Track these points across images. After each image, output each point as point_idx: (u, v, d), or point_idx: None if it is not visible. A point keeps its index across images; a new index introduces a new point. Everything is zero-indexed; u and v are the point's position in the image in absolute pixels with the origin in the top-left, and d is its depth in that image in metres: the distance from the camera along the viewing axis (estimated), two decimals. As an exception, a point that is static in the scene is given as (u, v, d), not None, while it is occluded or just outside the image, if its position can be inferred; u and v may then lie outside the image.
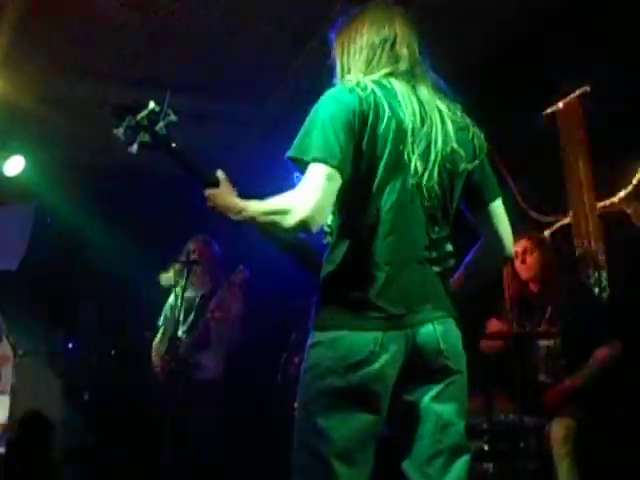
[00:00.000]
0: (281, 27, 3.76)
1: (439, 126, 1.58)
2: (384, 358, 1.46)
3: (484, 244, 1.74)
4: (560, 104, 3.70)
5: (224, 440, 3.56)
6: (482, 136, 1.68)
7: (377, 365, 1.46)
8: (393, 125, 1.53)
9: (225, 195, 1.59)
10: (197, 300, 3.74)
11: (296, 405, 3.69)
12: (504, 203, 1.73)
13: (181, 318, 3.64)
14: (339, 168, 1.47)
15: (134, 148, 1.59)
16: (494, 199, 1.70)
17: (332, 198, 1.48)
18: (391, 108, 1.54)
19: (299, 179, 1.51)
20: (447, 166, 1.58)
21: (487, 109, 3.78)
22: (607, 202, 3.45)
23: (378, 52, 1.66)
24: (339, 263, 1.54)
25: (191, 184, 1.64)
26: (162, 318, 3.87)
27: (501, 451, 2.95)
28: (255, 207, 1.51)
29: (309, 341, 1.55)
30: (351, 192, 1.53)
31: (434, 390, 1.53)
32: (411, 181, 1.54)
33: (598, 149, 3.50)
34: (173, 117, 1.61)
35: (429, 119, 1.58)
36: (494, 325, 3.27)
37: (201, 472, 3.47)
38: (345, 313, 1.50)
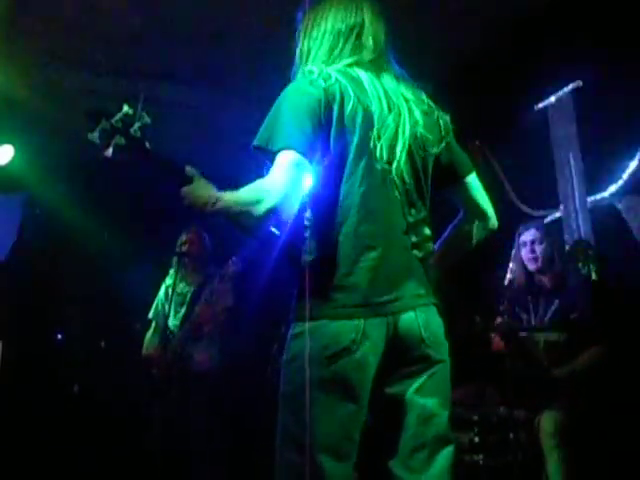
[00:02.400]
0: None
1: (406, 113, 1.59)
2: (366, 346, 1.45)
3: (465, 217, 1.75)
4: (552, 98, 3.72)
5: (217, 431, 3.55)
6: (447, 117, 1.70)
7: (358, 354, 1.45)
8: (360, 113, 1.54)
9: (200, 189, 1.55)
10: (188, 293, 3.72)
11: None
12: (493, 197, 1.74)
13: (172, 311, 3.62)
14: (305, 154, 1.48)
15: (109, 152, 1.56)
16: (468, 173, 1.71)
17: (300, 185, 1.48)
18: (357, 96, 1.55)
19: (269, 168, 1.51)
20: (417, 151, 1.59)
21: (479, 104, 3.83)
22: (598, 196, 3.47)
23: (342, 40, 1.65)
24: (316, 252, 1.54)
25: (165, 185, 1.60)
26: (153, 311, 3.84)
27: (491, 443, 2.97)
28: (228, 197, 1.50)
29: (290, 332, 1.54)
30: (324, 182, 1.54)
31: (417, 382, 1.52)
32: (378, 167, 1.54)
33: (589, 144, 3.52)
34: (147, 119, 1.59)
35: (395, 107, 1.59)
36: (497, 345, 3.25)
37: (195, 463, 3.47)
38: (325, 302, 1.48)
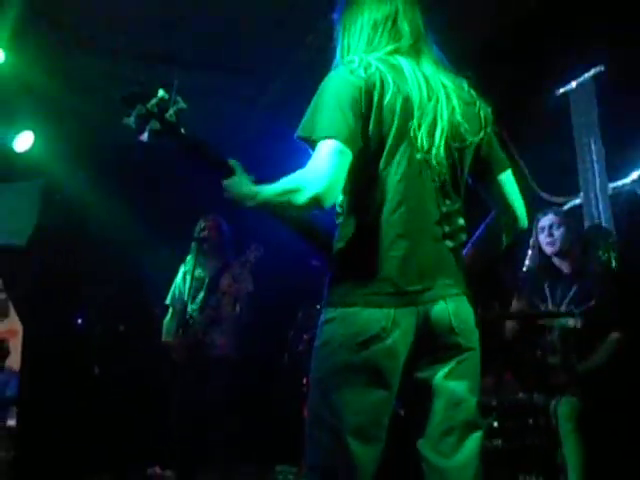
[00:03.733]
0: (292, 4, 3.73)
1: (444, 101, 1.58)
2: (396, 334, 1.47)
3: (497, 217, 1.74)
4: (573, 84, 3.68)
5: (236, 415, 3.60)
6: (489, 110, 1.67)
7: (389, 341, 1.46)
8: (400, 101, 1.53)
9: (241, 184, 1.58)
10: (206, 278, 3.75)
11: (305, 381, 3.75)
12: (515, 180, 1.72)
13: (190, 296, 3.66)
14: (348, 143, 1.48)
15: (145, 136, 1.58)
16: (503, 170, 1.69)
17: (343, 173, 1.48)
18: (397, 84, 1.54)
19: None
20: (454, 140, 1.58)
21: (500, 89, 3.78)
22: (619, 183, 3.44)
23: (380, 29, 1.65)
24: (350, 240, 1.55)
25: (201, 171, 1.64)
26: (170, 296, 3.88)
27: (510, 428, 2.99)
28: (268, 190, 1.51)
29: (322, 318, 1.55)
30: (360, 169, 1.53)
31: (446, 367, 1.54)
32: (418, 156, 1.54)
33: (610, 130, 3.49)
34: (182, 104, 1.60)
35: (435, 94, 1.58)
36: (515, 308, 3.28)
37: (212, 447, 3.52)
38: (357, 289, 1.50)
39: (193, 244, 3.77)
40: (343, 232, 1.57)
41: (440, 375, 1.54)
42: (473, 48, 3.89)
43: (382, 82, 1.54)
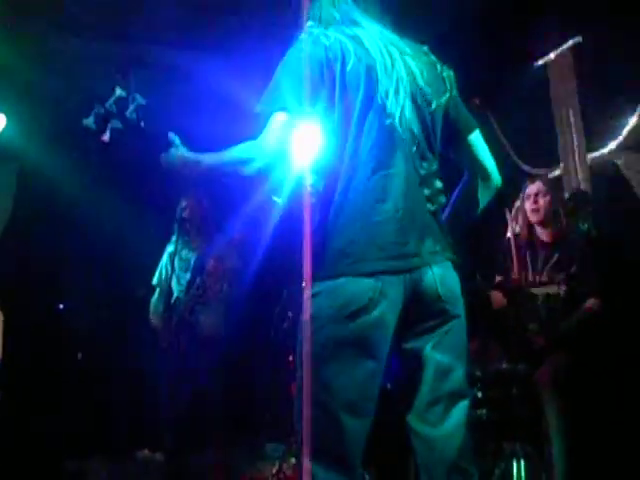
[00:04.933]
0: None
1: (404, 66, 1.59)
2: (383, 304, 1.46)
3: (470, 178, 1.75)
4: (552, 55, 3.70)
5: (224, 393, 3.61)
6: (451, 73, 1.69)
7: (377, 312, 1.46)
8: (362, 70, 1.54)
9: (177, 154, 1.59)
10: (192, 258, 3.73)
11: (290, 358, 3.76)
12: (492, 156, 1.73)
13: (176, 277, 3.64)
14: (300, 115, 1.49)
15: (107, 136, 1.58)
16: (472, 131, 1.71)
17: (289, 144, 1.49)
18: (358, 54, 1.55)
19: None
20: (422, 103, 1.59)
21: (478, 61, 3.79)
22: (597, 153, 3.47)
23: (338, 4, 1.67)
24: (329, 213, 1.53)
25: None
26: (157, 277, 3.86)
27: (494, 398, 3.03)
28: (213, 158, 1.53)
29: (308, 292, 1.54)
30: (330, 143, 1.53)
31: (434, 338, 1.54)
32: (387, 121, 1.54)
33: (589, 100, 3.51)
34: (141, 100, 1.61)
35: (395, 60, 1.59)
36: (498, 301, 3.30)
37: (200, 426, 3.53)
38: (342, 259, 1.48)
39: (176, 224, 3.73)
40: (321, 207, 1.56)
41: (429, 346, 1.54)
42: (449, 21, 3.88)
43: (343, 52, 1.54)
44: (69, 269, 5.03)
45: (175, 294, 3.65)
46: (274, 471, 3.59)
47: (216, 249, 3.63)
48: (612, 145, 3.37)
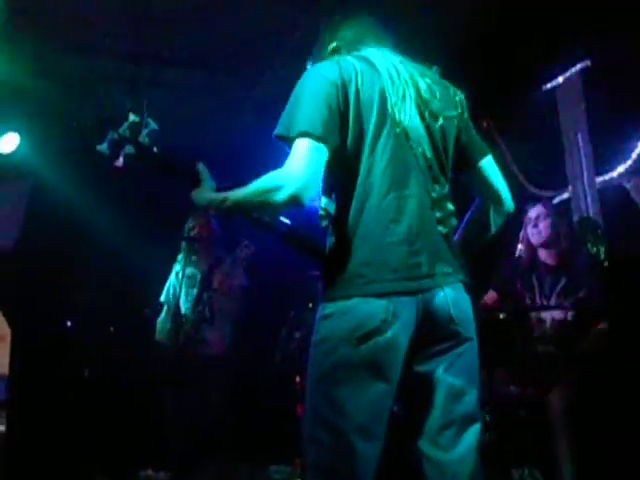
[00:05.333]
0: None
1: (411, 82, 1.62)
2: (396, 326, 1.45)
3: (482, 203, 1.76)
4: (560, 79, 3.71)
5: (229, 413, 3.59)
6: (463, 96, 1.70)
7: (389, 334, 1.45)
8: (376, 93, 1.56)
9: (204, 192, 1.60)
10: (198, 276, 3.75)
11: (297, 379, 3.73)
12: (497, 164, 1.74)
13: (183, 295, 3.65)
14: (323, 139, 1.49)
15: (120, 162, 1.60)
16: (484, 155, 1.72)
17: (320, 169, 1.49)
18: (371, 77, 1.58)
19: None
20: (427, 115, 1.61)
21: (487, 85, 3.81)
22: (606, 177, 3.47)
23: (347, 29, 1.74)
24: (342, 233, 1.53)
25: (178, 185, 1.66)
26: (164, 295, 3.87)
27: (503, 422, 2.99)
28: (238, 193, 1.52)
29: (319, 314, 1.53)
30: (343, 164, 1.54)
31: (446, 361, 1.53)
32: (397, 144, 1.55)
33: (598, 124, 3.51)
34: (153, 125, 1.63)
35: (402, 77, 1.61)
36: (490, 297, 3.30)
37: (207, 447, 3.51)
38: (354, 280, 1.48)
39: (183, 243, 3.76)
40: (334, 228, 1.57)
41: (440, 369, 1.53)
42: (460, 44, 3.91)
43: (357, 76, 1.56)
44: (78, 286, 5.05)
45: (182, 312, 3.66)
46: (279, 493, 3.57)
47: (223, 268, 3.64)
48: (621, 169, 3.36)
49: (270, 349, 4.07)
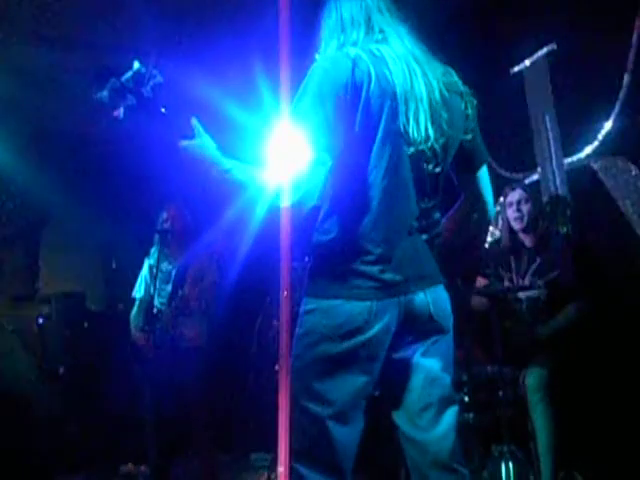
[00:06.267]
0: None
1: (425, 87, 1.57)
2: (378, 326, 1.51)
3: (467, 206, 1.78)
4: (527, 62, 3.75)
5: (209, 404, 3.58)
6: (475, 102, 1.69)
7: (371, 332, 1.50)
8: (387, 93, 1.54)
9: (205, 147, 1.53)
10: (173, 270, 3.69)
11: (277, 368, 3.75)
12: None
13: (157, 289, 3.60)
14: (327, 151, 1.50)
15: (120, 112, 1.48)
16: (482, 165, 1.74)
17: (322, 178, 1.52)
18: (383, 75, 1.54)
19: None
20: (437, 128, 1.57)
21: (454, 68, 3.83)
22: (574, 158, 3.53)
23: (361, 22, 1.65)
24: (335, 234, 1.56)
25: (168, 138, 1.55)
26: (137, 290, 3.81)
27: (481, 402, 3.07)
28: (243, 174, 1.50)
29: (303, 307, 1.58)
30: (344, 162, 1.55)
31: (423, 347, 1.59)
32: (410, 150, 1.55)
33: (565, 106, 3.57)
34: (160, 78, 1.52)
35: (418, 85, 1.57)
36: (480, 282, 3.36)
37: (185, 437, 3.51)
38: (339, 283, 1.53)
39: (156, 236, 3.70)
40: (325, 224, 1.58)
41: (418, 354, 1.59)
42: (426, 28, 3.92)
43: (369, 74, 1.53)
44: (47, 281, 4.95)
45: (156, 307, 3.62)
46: (263, 481, 3.59)
47: (198, 260, 3.60)
48: (588, 150, 3.42)
49: (248, 338, 4.07)
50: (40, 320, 4.68)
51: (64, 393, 4.48)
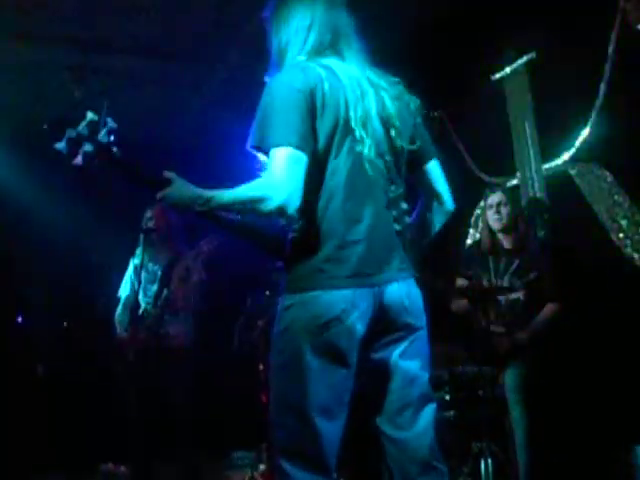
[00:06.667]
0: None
1: (374, 97, 1.69)
2: (355, 315, 1.57)
3: (426, 201, 1.87)
4: (507, 69, 3.85)
5: (193, 404, 3.59)
6: (418, 102, 1.80)
7: (349, 322, 1.56)
8: (340, 100, 1.63)
9: (181, 189, 1.58)
10: (159, 271, 3.69)
11: (261, 368, 3.77)
12: (452, 165, 1.87)
13: (142, 289, 3.60)
14: (301, 148, 1.55)
15: (79, 160, 1.57)
16: (431, 158, 1.83)
17: (302, 179, 1.56)
18: (334, 85, 1.64)
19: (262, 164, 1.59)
20: (391, 131, 1.70)
21: (437, 75, 3.91)
22: (552, 164, 3.63)
23: (311, 34, 1.73)
24: (304, 229, 1.62)
25: (136, 187, 1.63)
26: (122, 289, 3.80)
27: (461, 400, 3.14)
28: (226, 196, 1.55)
29: (281, 304, 1.63)
30: (310, 166, 1.60)
31: (400, 348, 1.66)
32: (358, 148, 1.63)
33: (543, 113, 3.67)
34: (112, 124, 1.61)
35: (365, 91, 1.68)
36: (459, 285, 3.43)
37: (168, 436, 3.51)
38: (315, 274, 1.58)
39: (141, 235, 3.69)
40: (298, 222, 1.64)
41: (395, 355, 1.65)
42: (408, 34, 3.99)
43: (322, 82, 1.62)
44: (27, 281, 4.90)
45: (142, 306, 3.61)
46: (246, 478, 3.62)
47: (183, 262, 3.61)
48: (566, 156, 3.52)
49: (231, 338, 4.09)
50: (19, 318, 4.64)
51: (43, 391, 4.43)
